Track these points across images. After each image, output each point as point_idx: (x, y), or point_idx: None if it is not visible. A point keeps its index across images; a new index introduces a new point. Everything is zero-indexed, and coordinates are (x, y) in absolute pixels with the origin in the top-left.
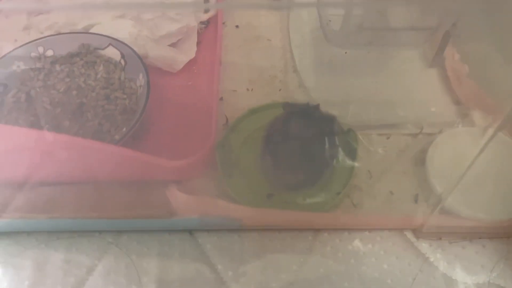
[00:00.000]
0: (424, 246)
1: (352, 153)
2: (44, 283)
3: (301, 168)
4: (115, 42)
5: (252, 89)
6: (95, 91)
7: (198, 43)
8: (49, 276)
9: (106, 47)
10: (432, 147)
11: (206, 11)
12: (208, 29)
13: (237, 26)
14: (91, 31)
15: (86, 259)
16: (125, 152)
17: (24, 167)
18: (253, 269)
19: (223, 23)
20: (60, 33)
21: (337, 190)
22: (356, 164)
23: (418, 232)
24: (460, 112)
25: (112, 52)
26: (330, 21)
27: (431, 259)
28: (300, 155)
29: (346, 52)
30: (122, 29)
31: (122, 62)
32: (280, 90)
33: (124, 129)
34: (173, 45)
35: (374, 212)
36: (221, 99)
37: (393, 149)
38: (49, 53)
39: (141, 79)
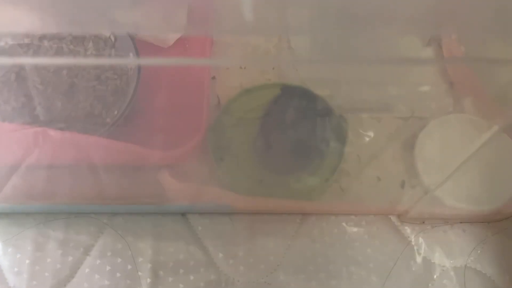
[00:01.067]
0: (407, 230)
1: (342, 139)
2: (44, 261)
3: (293, 152)
4: None
5: (245, 67)
6: (86, 70)
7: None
8: (49, 255)
9: None
10: (422, 135)
11: None
12: None
13: None
14: None
15: (83, 239)
16: (117, 145)
17: (18, 150)
18: (242, 251)
19: None
20: None
21: (326, 176)
22: (346, 149)
23: (402, 217)
24: (453, 96)
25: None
26: None
27: (413, 243)
28: (293, 139)
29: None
30: None
31: (112, 38)
32: (273, 68)
33: (116, 112)
34: None
35: (360, 198)
36: (214, 78)
37: (383, 133)
38: None
39: (131, 57)
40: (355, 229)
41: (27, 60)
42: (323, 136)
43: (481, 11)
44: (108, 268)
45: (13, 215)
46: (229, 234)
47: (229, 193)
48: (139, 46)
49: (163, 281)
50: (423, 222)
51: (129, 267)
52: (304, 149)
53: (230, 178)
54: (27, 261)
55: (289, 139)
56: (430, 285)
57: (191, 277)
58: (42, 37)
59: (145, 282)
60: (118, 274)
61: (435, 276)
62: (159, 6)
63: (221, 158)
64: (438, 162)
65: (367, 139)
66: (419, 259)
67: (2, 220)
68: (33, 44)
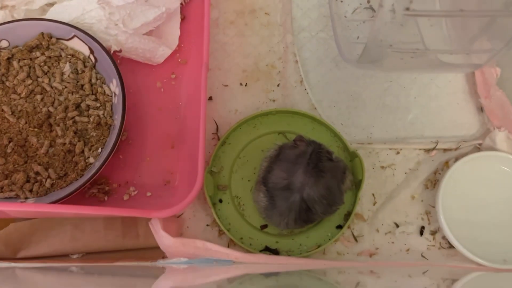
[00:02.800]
0: None
1: (356, 184)
2: None
3: (301, 217)
4: (82, 34)
5: (246, 84)
6: (63, 95)
7: (182, 20)
8: None
9: (70, 39)
10: (446, 179)
11: None
12: (194, 0)
13: None
14: (50, 11)
15: None
16: (110, 211)
17: None
18: None
19: None
20: (15, 20)
21: (337, 223)
22: (359, 196)
23: None
24: (482, 126)
25: (79, 45)
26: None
27: None
28: (303, 205)
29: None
30: (88, 11)
31: (92, 58)
32: (278, 85)
33: (100, 150)
34: (151, 32)
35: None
36: (210, 98)
37: (402, 168)
38: (4, 44)
39: (114, 86)
40: None
41: None
42: (338, 201)
43: None
44: None
45: None
46: None
47: (230, 251)
48: (127, 66)
49: None
50: None
51: None
52: (315, 215)
53: (229, 224)
54: None
55: (299, 203)
56: None
57: None
58: (10, 57)
59: None
60: None
61: None
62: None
63: (218, 203)
64: (466, 218)
65: (383, 175)
66: None
67: None
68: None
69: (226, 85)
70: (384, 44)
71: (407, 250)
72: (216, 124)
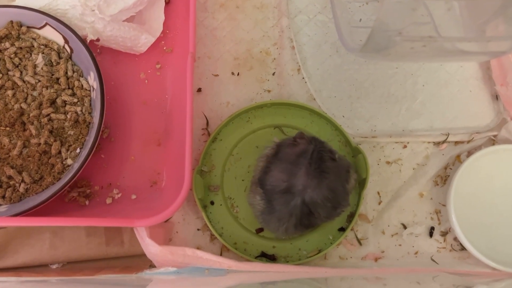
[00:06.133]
0: None
1: (360, 183)
2: None
3: (302, 222)
4: (54, 22)
5: (238, 73)
6: (36, 90)
7: (167, 3)
8: None
9: (42, 27)
10: (459, 175)
11: None
12: None
13: None
14: None
15: None
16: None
17: None
18: None
19: None
20: None
21: (339, 225)
22: (363, 195)
23: None
24: (497, 115)
25: (52, 35)
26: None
27: None
28: (304, 209)
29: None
30: None
31: (67, 49)
32: (274, 74)
33: (78, 150)
34: (132, 19)
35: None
36: (199, 90)
37: (409, 163)
38: None
39: (92, 79)
40: None
41: None
42: (341, 195)
43: None
44: None
45: None
46: None
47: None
48: (107, 56)
49: None
50: None
51: None
52: (316, 218)
53: (222, 228)
54: None
55: (300, 207)
56: None
57: None
58: None
59: None
60: None
61: None
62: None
63: (209, 206)
64: (479, 221)
65: (388, 171)
66: None
67: None
68: None
69: (217, 75)
70: (392, 32)
71: (416, 253)
72: (206, 119)
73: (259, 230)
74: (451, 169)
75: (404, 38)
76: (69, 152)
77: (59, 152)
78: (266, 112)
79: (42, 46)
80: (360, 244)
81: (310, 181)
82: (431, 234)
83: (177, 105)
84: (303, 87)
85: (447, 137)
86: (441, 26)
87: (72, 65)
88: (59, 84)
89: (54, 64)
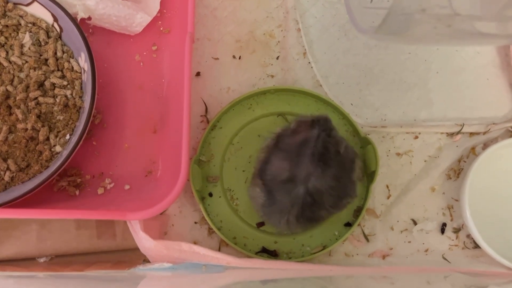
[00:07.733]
0: None
1: (368, 176)
2: None
3: (305, 214)
4: None
5: (239, 57)
6: (23, 71)
7: None
8: None
9: (30, 3)
10: (474, 169)
11: None
12: None
13: None
14: None
15: None
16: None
17: None
18: None
19: None
20: None
21: (345, 220)
22: (371, 189)
23: None
24: None
25: (41, 12)
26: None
27: None
28: (307, 199)
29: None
30: None
31: (56, 27)
32: (278, 58)
33: (68, 137)
34: None
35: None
36: (198, 74)
37: (420, 155)
38: None
39: (83, 60)
40: None
41: None
42: (348, 184)
43: None
44: None
45: None
46: None
47: (221, 255)
48: (100, 36)
49: None
50: None
51: None
52: (323, 212)
53: (221, 221)
54: None
55: (304, 200)
56: None
57: None
58: None
59: None
60: None
61: None
62: None
63: (208, 198)
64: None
65: (398, 164)
66: None
67: None
68: None
69: (217, 58)
70: (414, 9)
71: (426, 250)
72: (205, 105)
73: (260, 224)
74: (465, 162)
75: (429, 16)
76: (58, 139)
77: (47, 139)
78: (269, 99)
79: (29, 25)
80: (367, 240)
81: (313, 169)
82: (442, 231)
83: (174, 90)
84: (309, 73)
85: (462, 128)
86: (459, 7)
87: (62, 45)
88: (48, 66)
89: (43, 44)
